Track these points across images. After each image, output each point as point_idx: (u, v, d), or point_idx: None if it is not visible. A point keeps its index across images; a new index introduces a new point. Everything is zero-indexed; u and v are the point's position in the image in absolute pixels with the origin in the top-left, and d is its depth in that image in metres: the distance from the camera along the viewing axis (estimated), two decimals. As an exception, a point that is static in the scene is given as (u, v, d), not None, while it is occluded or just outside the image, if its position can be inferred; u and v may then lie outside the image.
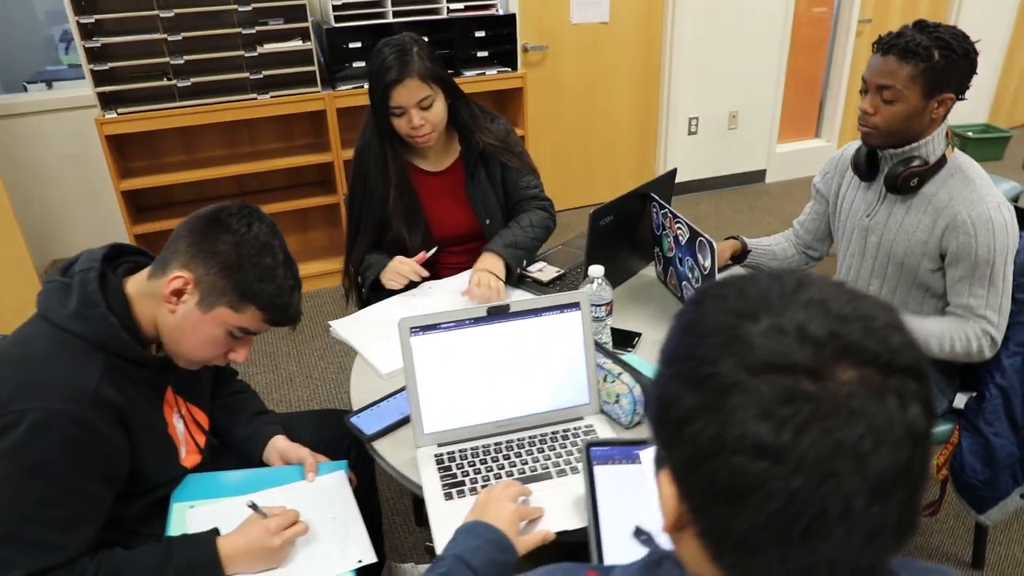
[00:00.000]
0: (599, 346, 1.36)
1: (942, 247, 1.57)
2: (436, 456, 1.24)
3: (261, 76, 3.05)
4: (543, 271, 1.84)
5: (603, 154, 4.38)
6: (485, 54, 3.40)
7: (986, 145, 5.00)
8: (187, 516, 1.23)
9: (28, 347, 1.10)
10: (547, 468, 1.21)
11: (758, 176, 4.86)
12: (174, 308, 1.12)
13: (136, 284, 1.17)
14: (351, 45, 3.15)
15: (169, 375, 1.24)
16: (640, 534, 0.82)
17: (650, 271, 1.89)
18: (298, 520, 1.18)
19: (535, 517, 1.11)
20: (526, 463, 1.22)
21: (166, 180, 3.16)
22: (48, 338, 1.09)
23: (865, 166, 1.68)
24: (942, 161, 1.58)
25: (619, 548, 0.99)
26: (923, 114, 1.53)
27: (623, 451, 1.14)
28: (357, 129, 3.51)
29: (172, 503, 1.26)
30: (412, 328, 1.23)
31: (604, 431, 1.29)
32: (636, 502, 1.04)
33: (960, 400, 1.73)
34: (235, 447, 1.43)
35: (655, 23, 4.15)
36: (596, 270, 1.49)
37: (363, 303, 1.97)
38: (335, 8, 3.05)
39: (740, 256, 1.90)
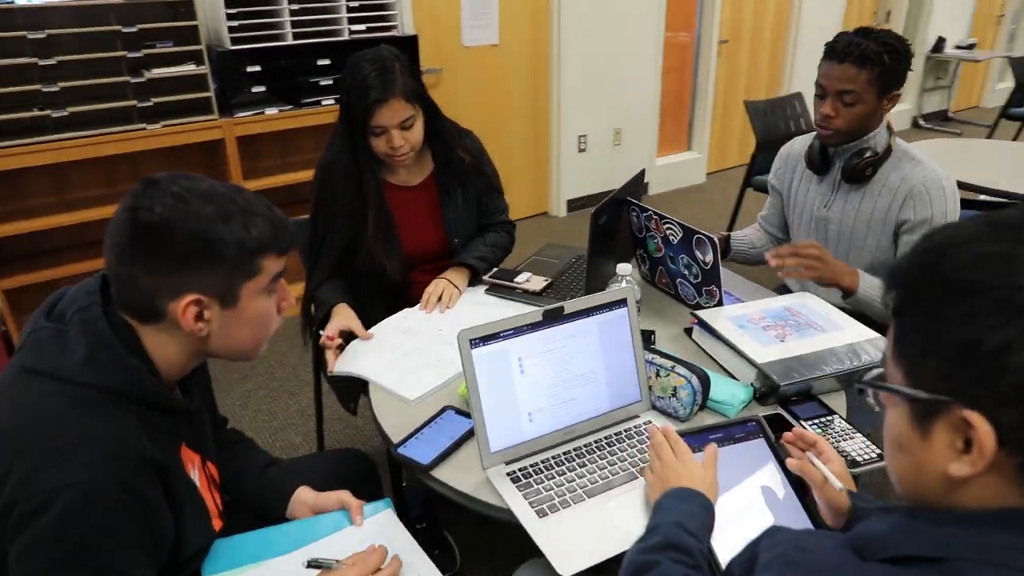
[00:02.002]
0: (646, 342, 1.33)
1: (900, 219, 1.70)
2: (509, 475, 1.14)
3: (150, 104, 2.77)
4: (530, 281, 1.79)
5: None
6: (389, 76, 3.31)
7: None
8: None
9: (33, 412, 0.87)
10: (627, 469, 1.16)
11: (643, 189, 5.08)
12: (204, 328, 0.96)
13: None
14: (249, 69, 2.95)
15: (183, 425, 1.06)
16: None
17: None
18: (386, 557, 1.04)
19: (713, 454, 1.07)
20: (604, 468, 1.16)
21: (33, 226, 2.77)
22: (56, 396, 0.88)
23: (819, 161, 1.79)
24: (888, 149, 1.72)
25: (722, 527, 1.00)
26: (877, 112, 1.67)
27: (699, 439, 1.13)
28: (258, 158, 3.31)
29: (205, 576, 1.07)
30: (472, 340, 1.13)
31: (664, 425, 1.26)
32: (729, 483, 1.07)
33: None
34: (247, 504, 1.25)
35: (542, 45, 4.26)
36: (624, 268, 1.47)
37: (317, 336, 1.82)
38: (231, 30, 2.85)
39: (724, 251, 1.96)
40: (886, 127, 1.74)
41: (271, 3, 2.95)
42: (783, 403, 1.33)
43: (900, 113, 6.94)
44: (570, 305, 1.21)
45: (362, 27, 3.18)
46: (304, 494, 1.23)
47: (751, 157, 3.76)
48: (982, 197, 2.80)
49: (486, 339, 1.14)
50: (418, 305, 1.72)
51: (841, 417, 1.29)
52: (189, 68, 2.81)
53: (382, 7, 3.25)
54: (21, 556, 0.81)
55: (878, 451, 1.19)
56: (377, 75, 1.59)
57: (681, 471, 1.02)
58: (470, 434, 1.24)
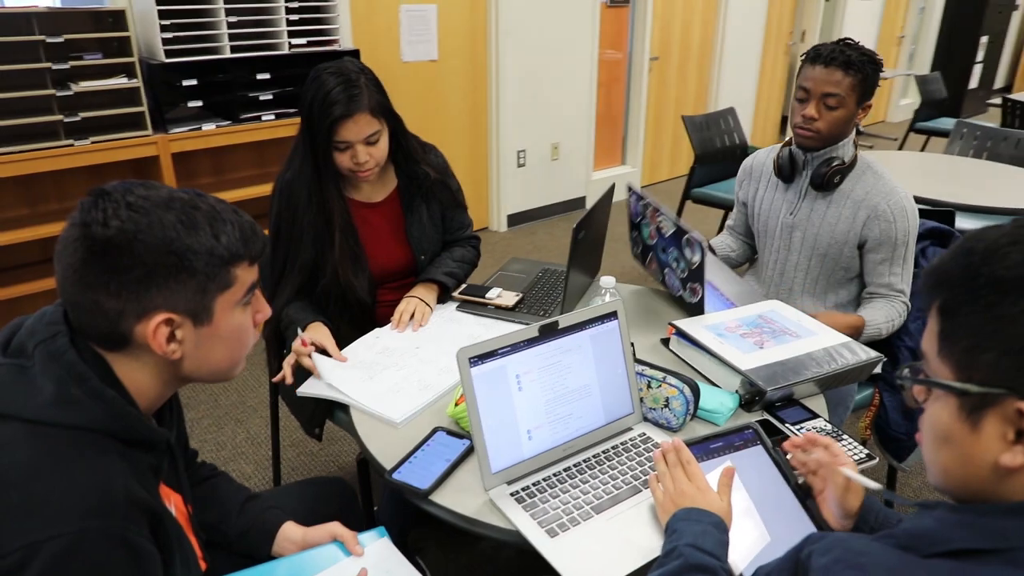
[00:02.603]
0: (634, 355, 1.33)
1: (863, 236, 1.77)
2: (513, 495, 1.11)
3: (78, 119, 2.61)
4: (502, 297, 1.76)
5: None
6: (331, 91, 3.23)
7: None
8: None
9: (1, 460, 0.77)
10: (630, 483, 1.14)
11: (579, 203, 5.15)
12: (177, 350, 0.87)
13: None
14: (185, 83, 2.82)
15: (164, 461, 0.98)
16: None
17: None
18: None
19: (729, 478, 1.04)
20: (607, 483, 1.14)
21: (-55, 251, 2.56)
22: (26, 440, 0.78)
23: (788, 169, 1.85)
24: (855, 160, 1.79)
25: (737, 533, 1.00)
26: (852, 120, 1.73)
27: (701, 448, 1.14)
28: (195, 176, 3.17)
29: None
30: (471, 359, 1.10)
31: (660, 437, 1.25)
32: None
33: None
34: (228, 544, 1.17)
35: (480, 61, 4.26)
36: (608, 280, 1.46)
37: (282, 357, 1.74)
38: (165, 42, 2.72)
39: None
40: (853, 139, 1.81)
41: (207, 15, 2.84)
42: (768, 409, 1.35)
43: (816, 127, 7.28)
44: (564, 319, 1.20)
45: (302, 41, 3.10)
46: (290, 530, 1.16)
47: (690, 170, 3.85)
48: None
49: (484, 357, 1.11)
50: (388, 325, 1.67)
51: (825, 419, 1.32)
52: (120, 81, 2.67)
53: (322, 20, 3.18)
54: None
55: (866, 451, 1.22)
56: (342, 89, 1.54)
57: (697, 497, 0.99)
58: (466, 455, 1.20)
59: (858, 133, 7.76)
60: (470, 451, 1.21)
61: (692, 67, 5.71)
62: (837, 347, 1.47)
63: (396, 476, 1.15)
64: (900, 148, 6.07)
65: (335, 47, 3.22)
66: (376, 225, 1.78)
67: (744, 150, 4.11)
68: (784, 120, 7.14)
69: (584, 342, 1.22)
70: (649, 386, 1.29)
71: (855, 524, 1.00)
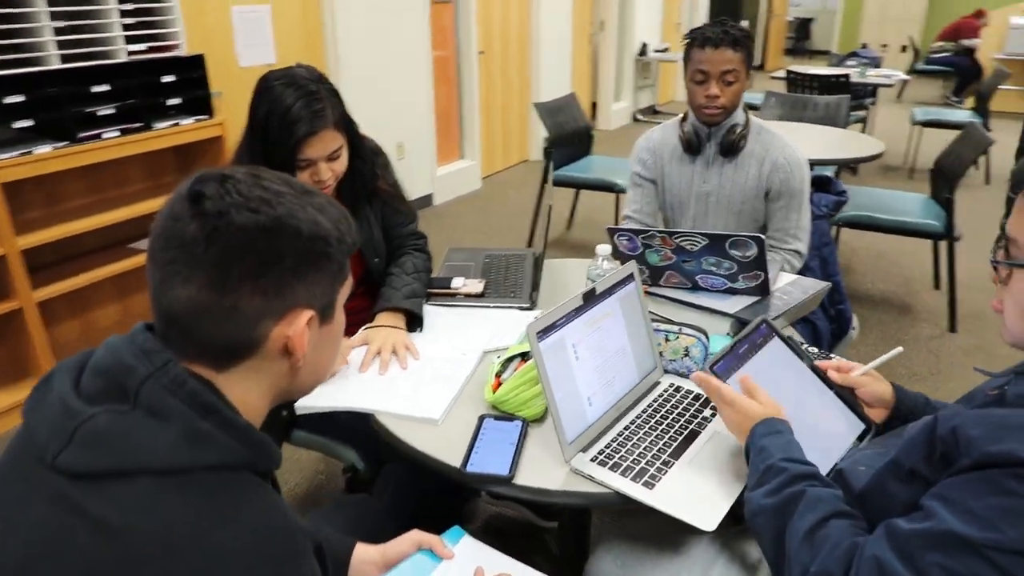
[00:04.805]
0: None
1: (767, 185, 1.98)
2: (595, 461, 1.13)
3: None
4: (467, 285, 1.75)
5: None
6: (177, 101, 2.95)
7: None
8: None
9: (151, 525, 0.63)
10: (688, 428, 1.21)
11: (427, 200, 5.14)
12: (300, 359, 0.76)
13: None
14: (8, 100, 2.43)
15: None
16: None
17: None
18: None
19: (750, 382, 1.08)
20: (668, 433, 1.19)
21: None
22: (169, 494, 0.65)
23: (696, 143, 2.00)
24: (747, 122, 1.99)
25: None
26: (743, 89, 1.92)
27: (732, 358, 1.15)
28: (25, 209, 2.81)
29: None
30: (539, 333, 1.10)
31: (687, 385, 1.33)
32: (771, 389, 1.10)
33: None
34: None
35: (318, 64, 4.09)
36: (603, 248, 1.50)
37: None
38: (-21, 54, 2.33)
39: None
40: (743, 104, 2.00)
41: (29, 20, 2.46)
42: (761, 345, 1.48)
43: (621, 110, 7.87)
44: (601, 284, 1.23)
45: (141, 47, 2.79)
46: (365, 552, 1.07)
47: (547, 154, 4.00)
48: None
49: (548, 330, 1.12)
50: (368, 364, 1.47)
51: (809, 345, 1.47)
52: (-72, 105, 2.24)
53: (158, 24, 2.89)
54: None
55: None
56: (304, 104, 1.43)
57: (754, 407, 1.04)
58: (524, 434, 1.20)
59: (655, 113, 8.50)
60: (526, 430, 1.21)
61: (514, 60, 5.91)
62: (786, 287, 1.65)
63: (471, 469, 1.12)
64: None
65: (176, 52, 2.94)
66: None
67: (589, 132, 4.35)
68: (594, 106, 7.61)
69: (615, 306, 1.27)
70: (667, 339, 1.36)
71: (891, 415, 1.14)
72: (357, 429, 1.55)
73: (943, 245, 3.33)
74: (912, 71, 8.91)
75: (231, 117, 3.32)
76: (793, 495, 0.92)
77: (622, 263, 1.78)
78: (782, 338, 1.21)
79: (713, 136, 1.98)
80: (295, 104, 1.42)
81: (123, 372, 0.69)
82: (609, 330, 1.25)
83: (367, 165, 1.69)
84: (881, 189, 3.68)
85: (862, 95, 5.77)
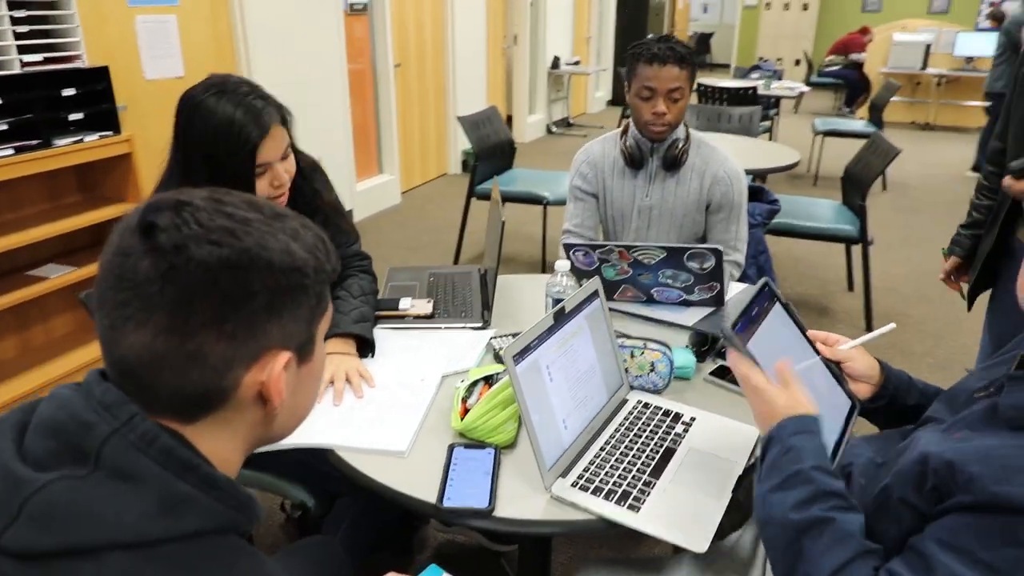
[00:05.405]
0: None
1: (708, 198, 2.01)
2: (575, 486, 1.09)
3: None
4: (416, 306, 1.68)
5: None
6: (79, 116, 2.73)
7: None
8: None
9: None
10: (663, 445, 1.19)
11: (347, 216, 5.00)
12: (276, 407, 0.68)
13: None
14: None
15: None
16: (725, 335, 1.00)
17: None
18: None
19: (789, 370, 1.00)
20: (644, 452, 1.17)
21: None
22: (134, 570, 0.56)
23: (639, 157, 1.99)
24: (688, 137, 2.01)
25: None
26: (686, 105, 1.93)
27: (745, 321, 1.07)
28: None
29: None
30: (515, 356, 1.05)
31: (657, 402, 1.31)
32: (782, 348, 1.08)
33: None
34: None
35: (230, 75, 3.91)
36: (562, 264, 1.47)
37: None
38: None
39: None
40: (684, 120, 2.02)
41: (-96, 30, 2.22)
42: (720, 355, 1.48)
43: (536, 123, 7.93)
44: (569, 302, 1.20)
45: (37, 57, 2.57)
46: None
47: (472, 168, 3.96)
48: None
49: (523, 352, 1.07)
50: (321, 395, 1.38)
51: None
52: None
53: (55, 33, 2.67)
54: None
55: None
56: (246, 109, 1.33)
57: (784, 400, 0.96)
58: (498, 463, 1.14)
59: (568, 125, 8.62)
60: (499, 458, 1.15)
61: (430, 73, 5.85)
62: (736, 297, 1.67)
63: (448, 504, 1.06)
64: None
65: (77, 64, 2.73)
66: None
67: (512, 145, 4.34)
68: (510, 119, 7.64)
69: (583, 324, 1.24)
70: (633, 355, 1.34)
71: (877, 392, 1.13)
72: (306, 464, 1.46)
73: (855, 249, 3.49)
74: (808, 83, 9.43)
75: (139, 132, 3.11)
76: (820, 520, 0.85)
77: (578, 278, 1.76)
78: (783, 304, 1.15)
79: (656, 151, 1.99)
80: (236, 111, 1.33)
81: (80, 430, 0.59)
82: (579, 349, 1.21)
83: (307, 182, 1.60)
84: (794, 196, 3.84)
85: (767, 106, 6.03)
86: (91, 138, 2.75)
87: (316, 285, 0.68)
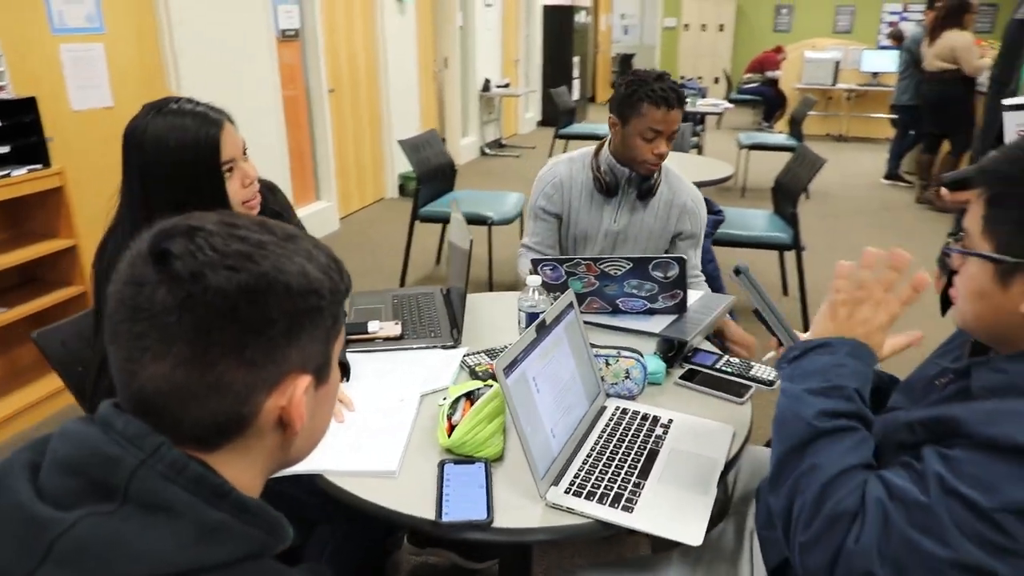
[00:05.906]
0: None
1: (678, 228, 2.06)
2: (569, 492, 1.11)
3: None
4: (384, 328, 1.67)
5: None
6: (6, 150, 2.61)
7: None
8: None
9: None
10: (647, 448, 1.22)
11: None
12: (296, 431, 0.68)
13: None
14: None
15: None
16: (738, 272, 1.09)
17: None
18: None
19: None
20: (629, 456, 1.20)
21: None
22: None
23: (614, 187, 2.02)
24: (660, 168, 2.06)
25: None
26: None
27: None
28: None
29: None
30: (504, 369, 1.07)
31: (635, 407, 1.35)
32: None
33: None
34: None
35: (161, 104, 3.81)
36: (534, 280, 1.49)
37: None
38: None
39: None
40: None
41: None
42: (687, 360, 1.54)
43: (469, 145, 8.00)
44: (549, 315, 1.23)
45: (-40, 90, 2.46)
46: None
47: (415, 191, 3.96)
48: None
49: (512, 365, 1.09)
50: None
51: (730, 355, 1.55)
52: None
53: (-23, 65, 2.56)
54: None
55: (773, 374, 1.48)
56: (192, 116, 1.34)
57: (867, 326, 0.98)
58: (490, 476, 1.16)
59: (501, 146, 8.72)
60: (490, 470, 1.16)
61: (364, 97, 5.84)
62: (696, 305, 1.73)
63: (447, 519, 1.06)
64: (551, 155, 7.00)
65: (2, 95, 2.62)
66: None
67: (453, 167, 4.37)
68: (443, 141, 7.66)
69: (562, 335, 1.27)
70: (608, 364, 1.38)
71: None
72: (282, 494, 1.43)
73: (788, 256, 3.66)
74: (729, 100, 9.83)
75: (70, 165, 3.00)
76: (846, 428, 0.90)
77: (547, 292, 1.79)
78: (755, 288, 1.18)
79: (632, 181, 2.01)
80: (185, 119, 1.33)
81: (105, 465, 0.58)
82: (560, 360, 1.24)
83: (267, 203, 1.59)
84: (727, 208, 3.99)
85: (694, 123, 6.27)
86: (19, 172, 2.63)
87: (332, 306, 0.68)
